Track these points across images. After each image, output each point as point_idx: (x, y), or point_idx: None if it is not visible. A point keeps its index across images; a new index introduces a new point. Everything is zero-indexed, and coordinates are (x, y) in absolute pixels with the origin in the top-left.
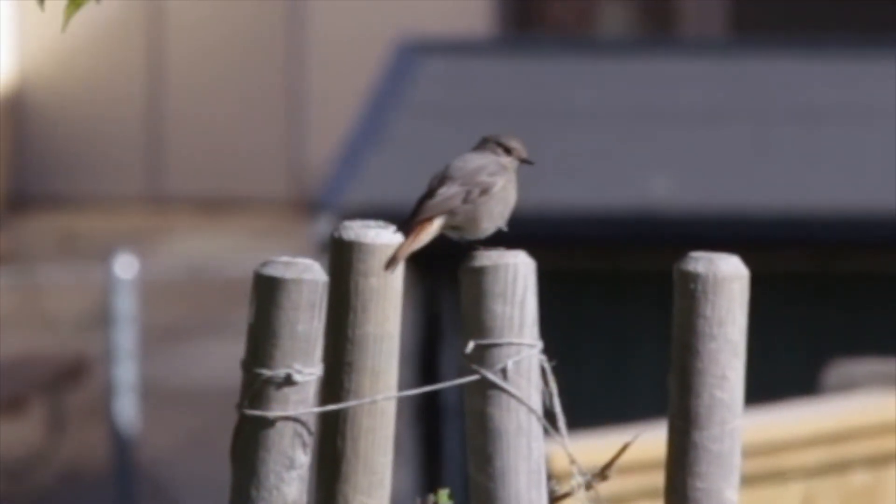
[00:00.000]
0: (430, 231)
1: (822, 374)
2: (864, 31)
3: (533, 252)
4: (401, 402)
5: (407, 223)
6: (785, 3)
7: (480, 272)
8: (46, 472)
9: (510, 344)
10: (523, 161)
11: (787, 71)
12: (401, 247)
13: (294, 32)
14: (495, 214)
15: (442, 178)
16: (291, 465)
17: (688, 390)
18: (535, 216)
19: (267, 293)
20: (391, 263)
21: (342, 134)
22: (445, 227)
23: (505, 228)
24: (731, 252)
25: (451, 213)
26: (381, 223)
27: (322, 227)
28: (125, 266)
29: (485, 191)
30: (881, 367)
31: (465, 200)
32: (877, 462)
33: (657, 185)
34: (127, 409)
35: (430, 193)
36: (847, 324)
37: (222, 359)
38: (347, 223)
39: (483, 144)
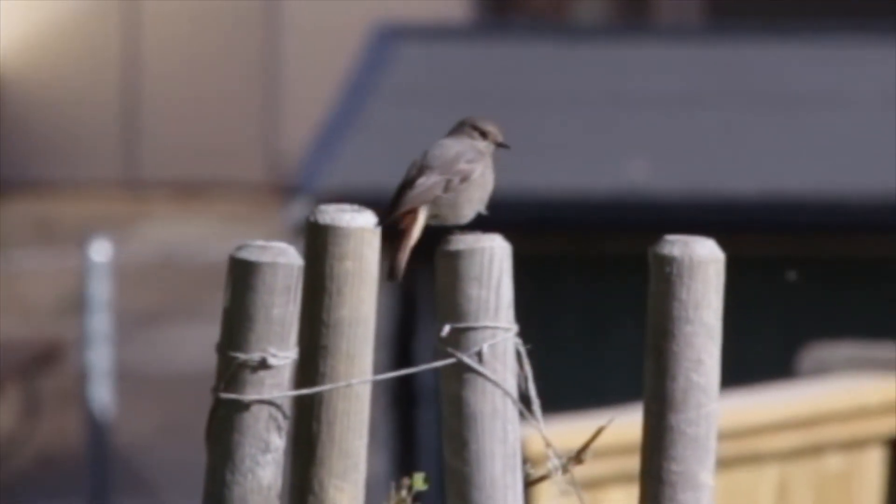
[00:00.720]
0: (419, 224)
1: (797, 357)
2: (841, 17)
3: (509, 236)
4: (376, 386)
5: (388, 214)
6: None
7: (456, 256)
8: (21, 456)
9: (486, 327)
10: (499, 145)
11: (763, 57)
12: (399, 251)
13: (270, 17)
14: (475, 200)
15: (420, 167)
16: (266, 449)
17: (663, 374)
18: (512, 200)
19: (242, 277)
20: (393, 274)
21: (318, 119)
22: (429, 216)
23: (485, 212)
24: (707, 236)
25: (433, 202)
26: (356, 207)
27: (297, 212)
28: (100, 251)
29: (464, 178)
30: (856, 351)
31: (446, 189)
32: (852, 446)
33: (633, 170)
34: (102, 394)
35: (409, 183)
36: (822, 308)
37: (198, 343)
38: (323, 207)
39: (459, 129)
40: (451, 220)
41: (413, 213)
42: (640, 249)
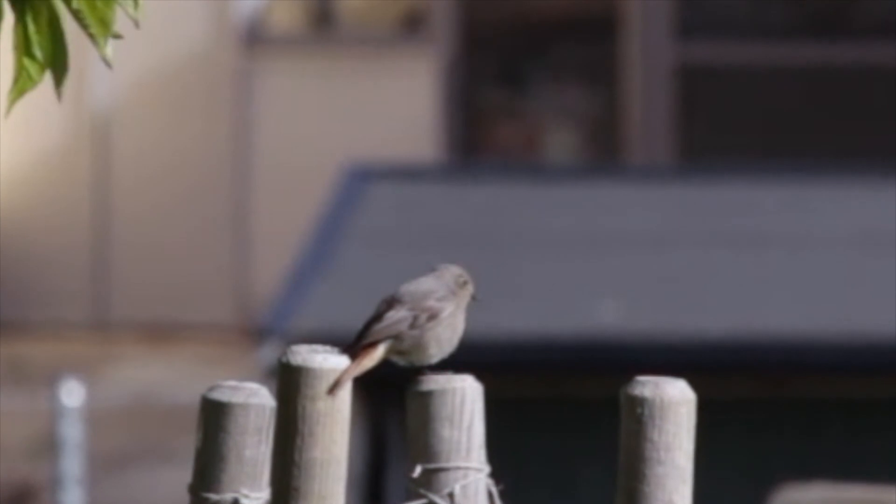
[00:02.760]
0: (375, 356)
1: (770, 499)
2: (811, 159)
3: (480, 377)
4: None
5: (352, 346)
6: (732, 131)
7: (428, 396)
8: None
9: (458, 468)
10: (472, 298)
11: (736, 197)
12: (345, 372)
13: (240, 159)
14: (443, 340)
15: (390, 302)
16: None
17: None
18: (483, 341)
19: (214, 417)
20: (335, 388)
21: (289, 260)
22: (392, 352)
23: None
24: (679, 376)
25: (397, 337)
26: (328, 348)
27: (269, 353)
28: (71, 393)
29: (433, 316)
30: (829, 491)
31: (413, 326)
32: None
33: (604, 311)
34: None
35: (377, 317)
36: (794, 449)
37: (170, 485)
38: (295, 348)
39: (438, 271)
40: (417, 359)
41: (374, 345)
42: (612, 390)
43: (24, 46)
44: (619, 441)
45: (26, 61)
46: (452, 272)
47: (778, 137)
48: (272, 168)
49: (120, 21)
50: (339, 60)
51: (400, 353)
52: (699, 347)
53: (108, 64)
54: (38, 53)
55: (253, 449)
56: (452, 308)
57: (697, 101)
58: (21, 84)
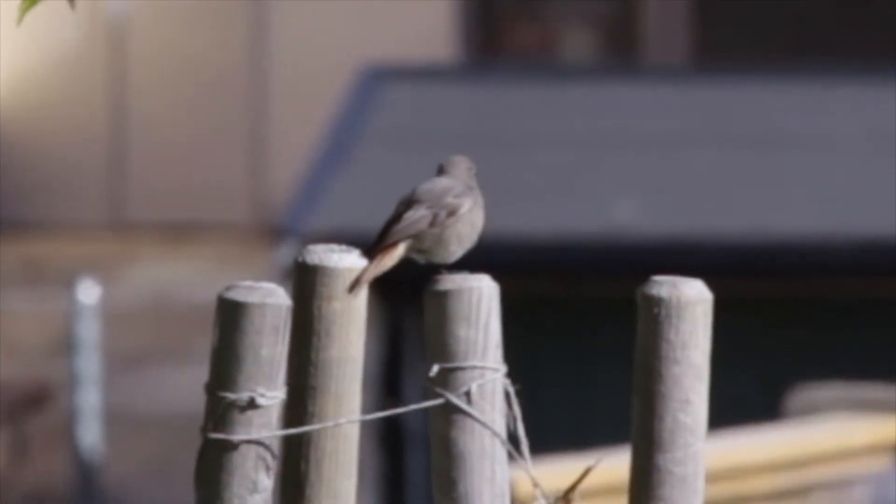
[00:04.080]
0: (395, 255)
1: (785, 398)
2: (827, 57)
3: (496, 277)
4: (364, 426)
5: (373, 247)
6: (748, 30)
7: (444, 296)
8: (10, 498)
9: (474, 367)
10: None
11: (751, 97)
12: (364, 271)
13: (257, 59)
14: (463, 236)
15: (409, 202)
16: (255, 489)
17: (651, 414)
18: (499, 242)
19: (230, 317)
20: (355, 287)
21: (305, 160)
22: (412, 250)
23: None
24: (695, 277)
25: (417, 236)
26: (344, 247)
27: (285, 253)
28: (88, 293)
29: (452, 213)
30: (844, 392)
31: (433, 224)
32: (839, 487)
33: (621, 211)
34: (90, 436)
35: (396, 217)
36: (810, 349)
37: (186, 384)
38: (311, 247)
39: (448, 169)
40: (438, 257)
41: (394, 244)
42: (628, 290)
43: None
44: (636, 341)
45: None
46: (462, 165)
47: (795, 36)
48: (289, 69)
49: None
50: None
51: (421, 251)
52: (716, 248)
53: None
54: None
55: (269, 348)
56: (471, 204)
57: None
58: None
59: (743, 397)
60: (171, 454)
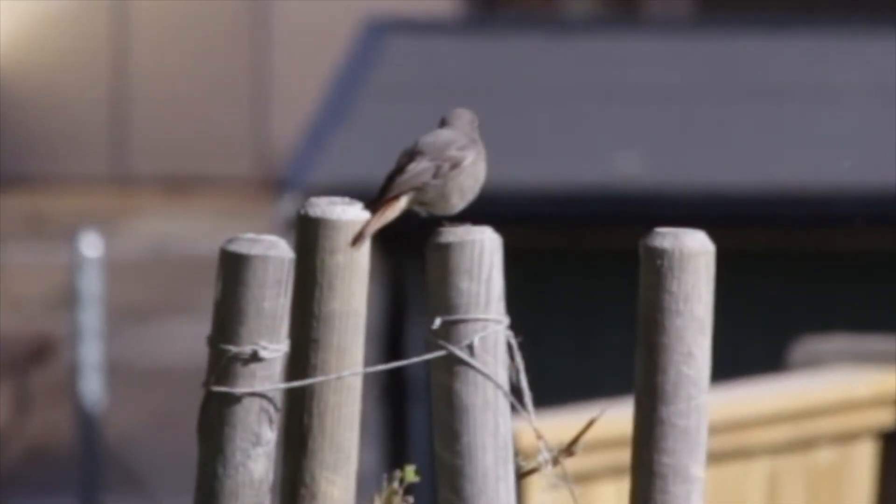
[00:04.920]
0: (397, 208)
1: (788, 350)
2: (831, 10)
3: (499, 229)
4: (367, 379)
5: (375, 200)
6: None
7: (446, 248)
8: (12, 451)
9: (476, 320)
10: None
11: (754, 49)
12: (367, 223)
13: (259, 13)
14: (466, 189)
15: (411, 154)
16: (258, 442)
17: (654, 366)
18: (502, 193)
19: (232, 270)
20: (357, 240)
21: (308, 113)
22: (414, 202)
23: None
24: (697, 228)
25: (420, 188)
26: (347, 200)
27: (288, 206)
28: (91, 245)
29: (455, 165)
30: (847, 343)
31: (435, 175)
32: (843, 440)
33: (623, 163)
34: (93, 389)
35: (399, 169)
36: (813, 301)
37: (188, 338)
38: (314, 200)
39: (450, 121)
40: (440, 209)
41: (396, 197)
42: (631, 242)
43: None
44: (639, 293)
45: None
46: (465, 117)
47: None
48: (290, 22)
49: None
50: None
51: (423, 203)
52: (719, 199)
53: None
54: None
55: (272, 301)
56: (474, 156)
57: None
58: None
59: (746, 349)
60: (173, 407)
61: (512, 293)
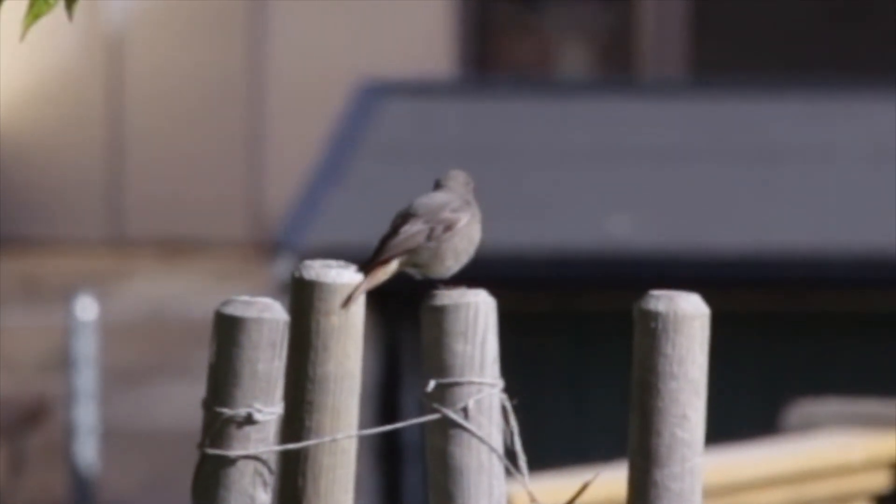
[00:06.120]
0: (388, 270)
1: (783, 413)
2: (825, 73)
3: (493, 292)
4: (362, 441)
5: (369, 262)
6: (745, 44)
7: (441, 311)
8: None
9: (471, 383)
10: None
11: (747, 111)
12: (358, 285)
13: (253, 74)
14: (460, 251)
15: (405, 216)
16: None
17: (648, 429)
18: (496, 256)
19: (227, 332)
20: (348, 301)
21: (302, 175)
22: (408, 264)
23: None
24: (692, 291)
25: (414, 251)
26: (341, 263)
27: (282, 268)
28: (86, 308)
29: (449, 227)
30: (843, 407)
31: (429, 238)
32: (837, 502)
33: (617, 225)
34: (87, 451)
35: (392, 232)
36: (809, 364)
37: (183, 400)
38: (308, 262)
39: (445, 183)
40: (434, 272)
41: (387, 260)
42: (625, 305)
43: None
44: (633, 355)
45: None
46: (460, 179)
47: (791, 51)
48: (286, 83)
49: None
50: None
51: (417, 265)
52: (713, 262)
53: None
54: None
55: (266, 363)
56: (468, 218)
57: (710, 15)
58: (37, 9)
59: (740, 412)
60: (168, 470)
61: (506, 356)
